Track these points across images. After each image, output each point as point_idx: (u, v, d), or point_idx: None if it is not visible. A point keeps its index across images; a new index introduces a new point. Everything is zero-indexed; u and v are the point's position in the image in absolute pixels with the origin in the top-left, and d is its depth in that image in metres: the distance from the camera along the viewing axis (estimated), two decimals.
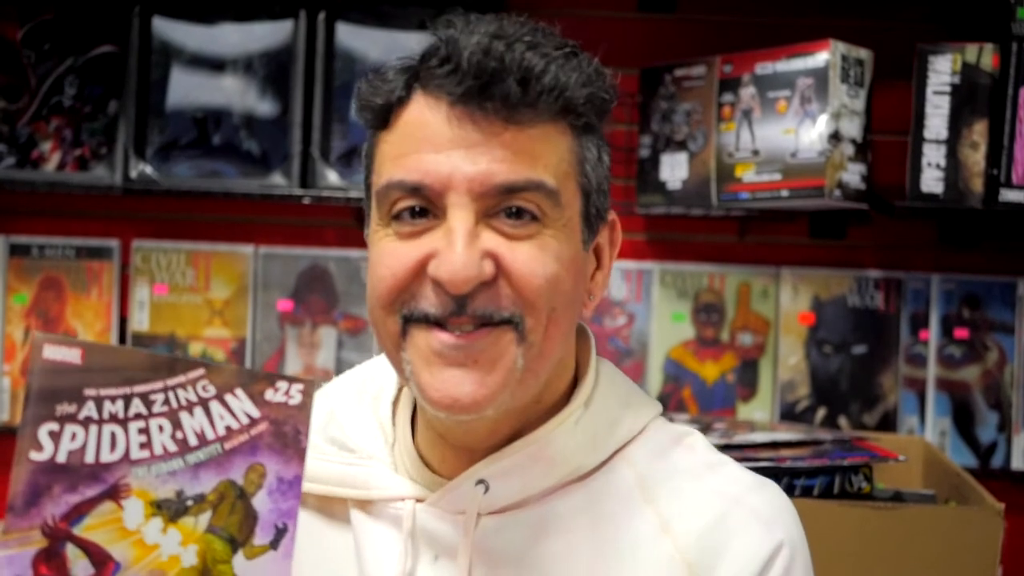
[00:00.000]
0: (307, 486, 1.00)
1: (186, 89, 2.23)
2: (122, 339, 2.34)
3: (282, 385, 0.80)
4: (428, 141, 0.90)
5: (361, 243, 2.53)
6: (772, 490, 1.00)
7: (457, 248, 0.88)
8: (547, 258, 0.91)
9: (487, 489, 0.95)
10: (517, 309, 0.90)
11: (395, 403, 1.05)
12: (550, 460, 0.96)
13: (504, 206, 0.90)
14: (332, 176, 2.21)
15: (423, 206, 0.91)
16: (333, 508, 1.02)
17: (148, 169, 2.22)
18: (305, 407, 0.81)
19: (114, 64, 2.26)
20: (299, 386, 0.81)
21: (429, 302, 0.90)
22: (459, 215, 0.89)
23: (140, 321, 2.34)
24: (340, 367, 2.32)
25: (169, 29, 2.24)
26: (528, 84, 0.89)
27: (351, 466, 1.01)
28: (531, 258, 0.90)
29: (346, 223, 2.35)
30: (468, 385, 0.90)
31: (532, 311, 0.90)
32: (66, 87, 2.26)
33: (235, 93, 2.23)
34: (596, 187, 0.96)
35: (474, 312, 0.89)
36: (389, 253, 0.91)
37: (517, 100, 0.88)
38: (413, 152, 0.90)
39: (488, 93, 0.88)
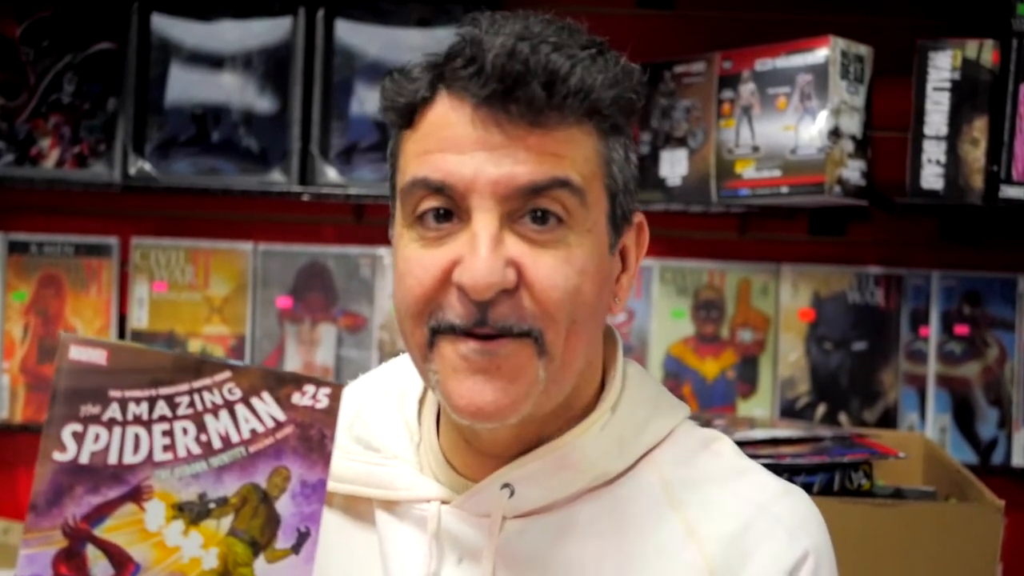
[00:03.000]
0: (332, 486, 0.99)
1: (185, 86, 2.23)
2: (121, 336, 2.34)
3: (309, 388, 0.80)
4: (452, 142, 0.89)
5: (360, 239, 2.53)
6: (798, 497, 1.00)
7: (481, 253, 0.87)
8: (570, 270, 0.90)
9: (512, 493, 0.95)
10: (536, 323, 0.89)
11: (420, 402, 1.04)
12: (576, 466, 0.96)
13: (529, 208, 0.89)
14: (331, 173, 2.20)
15: (447, 208, 0.90)
16: (358, 508, 1.02)
17: (147, 166, 2.22)
18: (332, 411, 0.80)
19: (113, 61, 2.26)
20: (327, 390, 0.80)
21: (455, 312, 0.89)
22: (483, 219, 0.88)
23: (139, 318, 2.33)
24: (339, 364, 2.32)
25: (168, 26, 2.24)
26: (553, 87, 0.87)
27: (376, 466, 1.01)
28: (553, 270, 0.89)
29: (345, 220, 2.35)
30: (490, 394, 0.89)
31: (551, 324, 0.90)
32: (65, 84, 2.26)
33: (234, 90, 2.23)
34: (623, 188, 0.95)
35: (495, 323, 0.88)
36: (415, 261, 0.91)
37: (542, 103, 0.87)
38: (436, 151, 0.89)
39: (512, 96, 0.87)
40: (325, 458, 0.80)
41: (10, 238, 2.34)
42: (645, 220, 1.01)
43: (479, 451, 0.97)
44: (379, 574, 0.99)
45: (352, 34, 2.24)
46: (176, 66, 2.24)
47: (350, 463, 1.01)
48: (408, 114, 0.93)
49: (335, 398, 0.80)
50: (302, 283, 2.34)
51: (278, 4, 2.24)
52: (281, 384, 0.80)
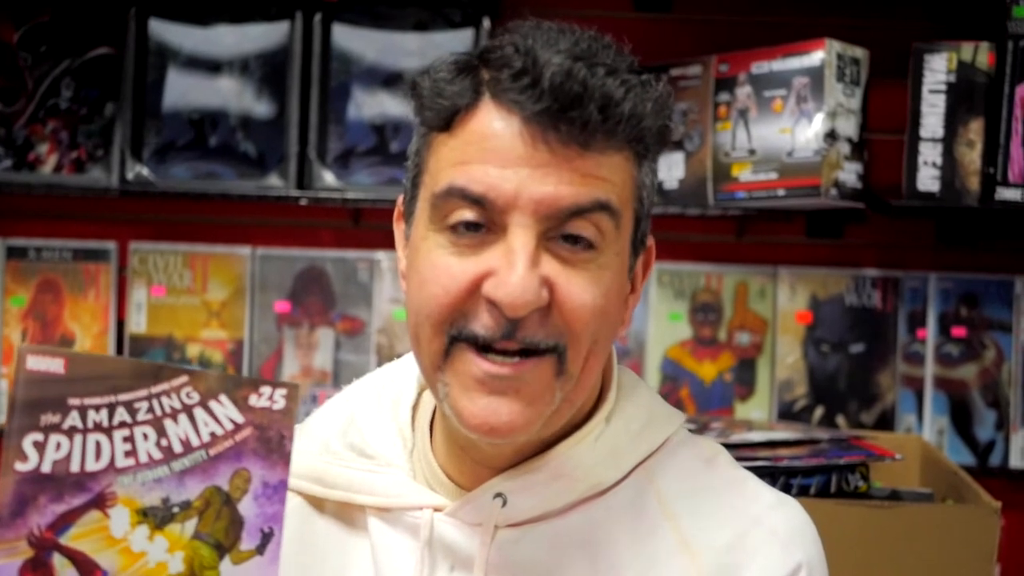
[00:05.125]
0: (325, 492, 1.01)
1: (182, 91, 2.24)
2: (120, 341, 2.34)
3: (266, 390, 0.80)
4: (496, 154, 0.88)
5: (358, 243, 2.53)
6: (792, 509, 0.99)
7: (518, 271, 0.86)
8: (598, 291, 0.89)
9: (505, 502, 0.94)
10: (562, 340, 0.89)
11: (414, 408, 1.04)
12: (569, 476, 0.95)
13: (564, 230, 0.88)
14: (329, 177, 2.21)
15: (480, 221, 0.89)
16: (352, 514, 1.02)
17: (145, 171, 2.22)
18: (289, 412, 0.80)
19: (110, 66, 2.26)
20: (283, 391, 0.80)
21: (481, 324, 0.88)
22: (521, 236, 0.87)
23: (137, 323, 2.34)
24: (338, 368, 2.32)
25: (165, 31, 2.24)
26: (607, 111, 0.87)
27: (370, 473, 1.00)
28: (583, 290, 0.89)
29: (343, 224, 2.35)
30: (505, 415, 0.89)
31: (576, 343, 0.89)
32: (62, 89, 2.26)
33: (231, 94, 2.24)
34: (647, 213, 0.95)
35: (522, 338, 0.88)
36: (443, 269, 0.89)
37: (596, 127, 0.87)
38: (478, 162, 0.88)
39: (567, 117, 0.86)
40: (285, 459, 0.80)
41: (8, 243, 2.34)
42: (654, 244, 1.01)
43: (474, 460, 0.97)
44: None
45: (349, 38, 2.24)
46: (173, 71, 2.24)
47: (343, 469, 1.01)
48: (447, 118, 0.91)
49: (291, 399, 0.81)
50: (300, 287, 2.34)
51: (275, 9, 2.24)
52: (238, 387, 0.80)
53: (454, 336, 0.89)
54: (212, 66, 2.24)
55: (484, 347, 0.89)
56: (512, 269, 0.87)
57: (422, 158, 0.94)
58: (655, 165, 0.96)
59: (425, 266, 0.91)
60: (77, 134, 2.26)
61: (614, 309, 0.92)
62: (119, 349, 2.33)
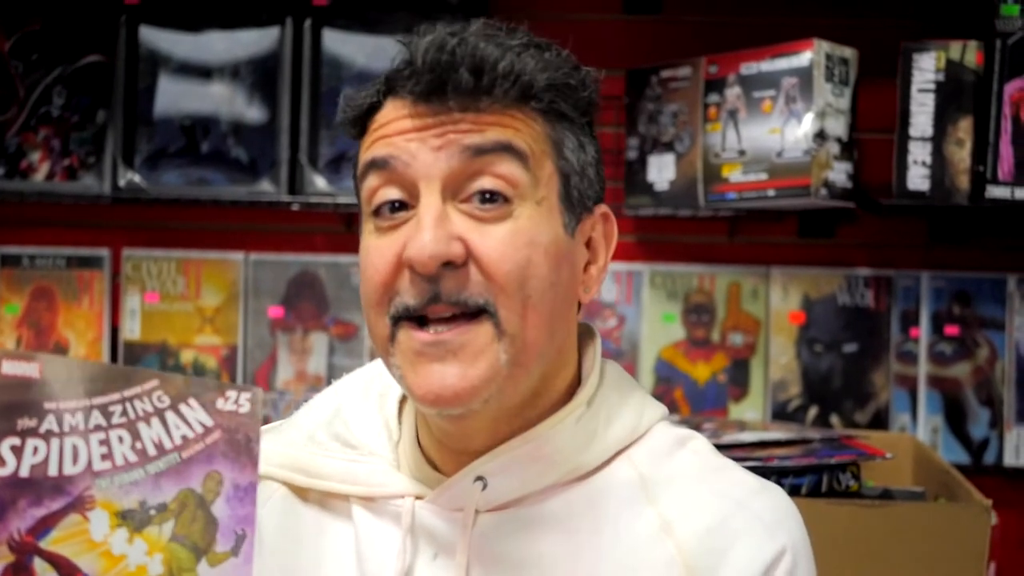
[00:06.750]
0: (309, 481, 1.02)
1: (174, 97, 2.24)
2: (114, 347, 2.35)
3: (231, 394, 0.82)
4: (396, 131, 0.93)
5: (351, 248, 2.53)
6: (776, 494, 0.99)
7: (425, 228, 0.89)
8: (518, 242, 0.91)
9: (485, 486, 0.95)
10: (489, 296, 0.90)
11: (402, 401, 1.05)
12: (549, 458, 0.96)
13: (476, 189, 0.91)
14: (320, 182, 2.21)
15: (401, 199, 0.92)
16: (336, 504, 1.03)
17: (137, 178, 2.22)
18: (254, 415, 0.82)
19: (102, 73, 2.27)
20: (247, 395, 0.82)
21: (409, 294, 0.91)
22: (427, 200, 0.91)
23: (131, 330, 2.34)
24: (332, 373, 2.32)
25: (156, 38, 2.25)
26: (481, 73, 0.90)
27: (353, 463, 1.01)
28: (500, 242, 0.91)
29: (335, 229, 2.36)
30: (449, 379, 0.90)
31: (504, 298, 0.90)
32: (54, 97, 2.27)
33: (223, 100, 2.24)
34: (579, 171, 0.96)
35: (448, 298, 0.90)
36: (374, 251, 0.93)
37: (471, 88, 0.90)
38: (381, 139, 0.93)
39: (444, 87, 0.90)
40: (253, 461, 0.82)
41: (2, 251, 2.35)
42: (611, 212, 1.01)
43: (453, 449, 0.98)
44: (354, 570, 0.99)
45: (340, 43, 2.25)
46: (164, 77, 2.24)
47: (327, 460, 1.02)
48: (360, 123, 0.96)
49: (255, 402, 0.82)
50: (293, 292, 2.35)
51: (265, 14, 2.25)
52: (205, 391, 0.82)
53: (394, 316, 0.92)
54: (203, 72, 2.24)
55: (422, 321, 0.91)
56: (421, 230, 0.90)
57: (356, 167, 0.99)
58: (580, 130, 0.97)
59: (363, 254, 0.95)
60: (69, 142, 2.26)
61: (546, 262, 0.92)
62: (113, 356, 2.34)
